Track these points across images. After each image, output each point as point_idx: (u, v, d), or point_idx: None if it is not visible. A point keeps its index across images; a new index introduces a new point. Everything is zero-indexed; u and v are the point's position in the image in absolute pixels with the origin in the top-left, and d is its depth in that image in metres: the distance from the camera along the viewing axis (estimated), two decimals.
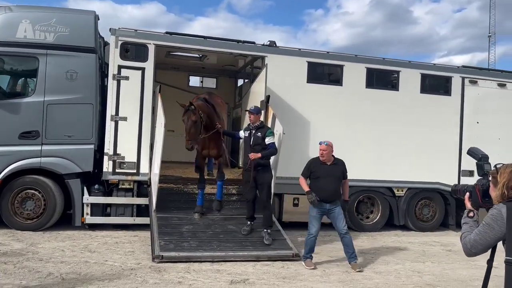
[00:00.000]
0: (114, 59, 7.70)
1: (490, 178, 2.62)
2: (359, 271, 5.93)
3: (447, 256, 7.25)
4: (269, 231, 6.64)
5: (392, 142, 9.04)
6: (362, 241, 7.94)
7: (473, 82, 9.53)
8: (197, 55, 9.80)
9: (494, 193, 2.53)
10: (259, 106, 7.95)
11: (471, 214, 2.69)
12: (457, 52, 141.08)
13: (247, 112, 7.02)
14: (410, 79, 9.24)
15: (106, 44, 8.42)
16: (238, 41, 8.62)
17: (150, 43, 7.87)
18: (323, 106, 8.72)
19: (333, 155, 6.17)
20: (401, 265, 6.44)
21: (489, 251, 2.54)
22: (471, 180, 9.42)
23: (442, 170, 9.32)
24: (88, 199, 7.66)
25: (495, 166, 2.59)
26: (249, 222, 6.86)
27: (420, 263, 6.65)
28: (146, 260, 5.95)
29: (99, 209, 7.79)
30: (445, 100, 9.47)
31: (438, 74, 9.55)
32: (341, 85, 8.91)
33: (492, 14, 63.45)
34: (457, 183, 8.63)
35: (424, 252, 7.43)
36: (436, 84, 9.61)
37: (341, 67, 8.90)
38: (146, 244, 6.73)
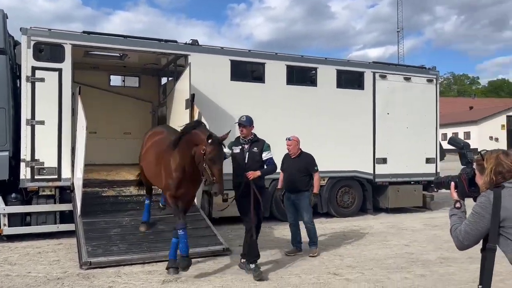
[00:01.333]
0: (27, 60, 7.31)
1: (475, 166, 2.57)
2: (312, 256, 6.49)
3: (365, 238, 7.88)
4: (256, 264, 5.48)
5: (314, 135, 9.53)
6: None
7: (383, 76, 10.35)
8: (117, 54, 9.57)
9: (481, 180, 2.47)
10: (184, 104, 8.02)
11: (458, 205, 2.61)
12: (371, 45, 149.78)
13: (237, 125, 5.93)
14: (327, 75, 9.81)
15: (16, 44, 7.93)
16: (160, 40, 8.57)
17: (66, 43, 7.57)
18: (248, 103, 8.96)
19: (300, 149, 6.73)
20: (325, 250, 6.90)
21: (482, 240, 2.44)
22: (384, 167, 10.42)
23: (359, 159, 10.07)
24: (4, 209, 7.23)
25: (479, 153, 2.52)
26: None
27: (342, 247, 7.18)
28: (73, 268, 5.79)
29: (18, 219, 7.40)
30: (359, 94, 10.19)
31: (352, 70, 10.24)
32: (264, 82, 9.24)
33: (399, 11, 68.15)
34: (438, 176, 9.42)
35: (345, 236, 8.01)
36: (350, 79, 10.29)
37: (263, 65, 9.21)
38: (72, 251, 6.53)
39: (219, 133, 5.00)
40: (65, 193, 7.65)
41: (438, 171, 10.80)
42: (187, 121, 7.95)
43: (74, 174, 7.33)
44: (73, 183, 7.39)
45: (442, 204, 11.59)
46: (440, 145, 11.11)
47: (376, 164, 10.21)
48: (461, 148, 3.00)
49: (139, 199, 7.45)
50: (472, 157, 2.83)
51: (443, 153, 11.32)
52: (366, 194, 10.35)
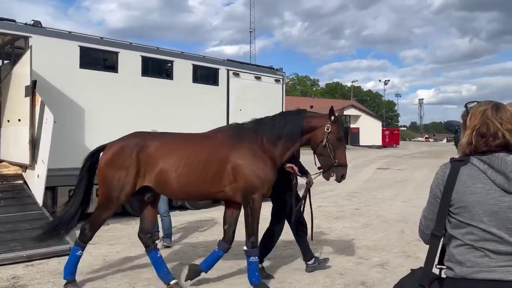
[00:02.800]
0: None
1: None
2: (167, 246, 6.63)
3: (218, 228, 8.22)
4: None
5: (169, 129, 9.51)
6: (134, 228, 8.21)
7: (236, 74, 10.87)
8: None
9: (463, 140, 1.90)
10: (24, 91, 7.25)
11: None
12: (227, 43, 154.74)
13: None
14: (183, 69, 9.89)
15: None
16: None
17: None
18: (99, 93, 8.52)
19: None
20: (178, 245, 7.00)
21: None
22: None
23: None
24: None
25: (465, 106, 1.97)
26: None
27: (194, 238, 7.37)
28: None
29: None
30: (214, 89, 10.53)
31: (207, 66, 10.51)
32: (117, 72, 8.86)
33: (252, 11, 71.83)
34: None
35: (198, 228, 8.24)
36: (206, 74, 10.56)
37: (116, 54, 8.83)
38: None
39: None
40: None
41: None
42: (27, 109, 7.21)
43: None
44: None
45: None
46: None
47: None
48: (455, 132, 2.81)
49: None
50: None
51: None
52: None
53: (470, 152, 1.85)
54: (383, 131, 57.73)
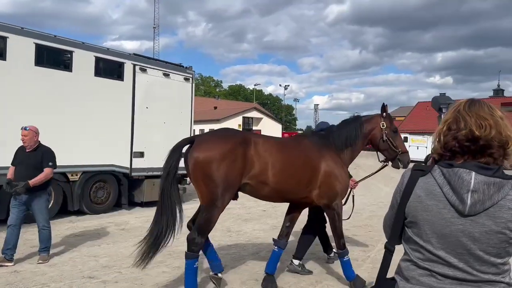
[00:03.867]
0: None
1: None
2: (42, 263, 5.71)
3: (121, 235, 7.64)
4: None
5: (66, 126, 8.64)
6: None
7: (143, 70, 10.26)
8: None
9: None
10: None
11: None
12: (127, 37, 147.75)
13: None
14: (84, 61, 9.04)
15: None
16: None
17: None
18: None
19: (39, 142, 5.78)
20: (77, 252, 6.33)
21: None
22: (141, 161, 10.39)
23: (116, 152, 9.69)
24: None
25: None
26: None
27: (96, 247, 6.74)
28: None
29: None
30: (119, 84, 9.80)
31: (111, 59, 9.73)
32: (5, 59, 7.77)
33: (156, 7, 69.77)
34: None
35: (99, 235, 7.56)
36: (110, 68, 9.77)
37: (4, 39, 7.73)
38: None
39: None
40: None
41: None
42: None
43: None
44: None
45: (193, 195, 12.42)
46: None
47: (133, 158, 10.05)
48: (439, 111, 2.14)
49: None
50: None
51: None
52: (122, 188, 10.07)
53: (442, 151, 1.63)
54: (283, 134, 60.00)
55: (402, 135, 36.74)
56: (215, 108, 62.01)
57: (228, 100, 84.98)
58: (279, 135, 58.38)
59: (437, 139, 1.64)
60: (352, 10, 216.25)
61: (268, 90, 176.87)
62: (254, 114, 56.06)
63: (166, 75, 10.80)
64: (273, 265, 5.04)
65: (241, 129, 53.32)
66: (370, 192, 15.33)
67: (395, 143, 5.09)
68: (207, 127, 49.52)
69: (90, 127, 9.13)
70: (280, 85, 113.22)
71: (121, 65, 9.84)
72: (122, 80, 9.86)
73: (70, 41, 9.04)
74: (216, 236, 7.46)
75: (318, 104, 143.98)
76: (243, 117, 54.60)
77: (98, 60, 9.33)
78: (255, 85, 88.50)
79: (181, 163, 4.43)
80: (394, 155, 5.11)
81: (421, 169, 1.66)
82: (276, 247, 5.08)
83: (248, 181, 4.44)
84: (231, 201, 4.55)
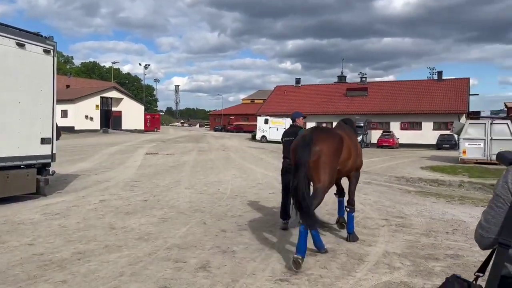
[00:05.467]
0: None
1: None
2: None
3: None
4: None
5: None
6: None
7: None
8: None
9: None
10: None
11: None
12: None
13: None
14: None
15: None
16: None
17: None
18: None
19: None
20: None
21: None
22: None
23: None
24: None
25: None
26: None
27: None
28: None
29: None
30: None
31: None
32: None
33: None
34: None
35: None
36: None
37: None
38: None
39: None
40: None
41: (54, 152, 9.83)
42: None
43: None
44: None
45: (57, 187, 10.75)
46: (56, 123, 10.14)
47: None
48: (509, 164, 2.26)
49: None
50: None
51: (59, 132, 10.42)
52: None
53: None
54: (145, 115, 57.43)
55: (263, 117, 38.49)
56: (68, 87, 56.02)
57: (82, 78, 77.99)
58: (142, 117, 55.80)
59: None
60: None
61: (125, 69, 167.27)
62: (113, 94, 52.41)
63: (21, 45, 8.91)
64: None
65: (99, 110, 49.37)
66: (246, 174, 15.41)
67: None
68: (58, 108, 44.51)
69: None
70: (140, 64, 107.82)
71: None
72: None
73: None
74: (99, 236, 6.44)
75: (178, 86, 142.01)
76: (101, 97, 50.60)
77: None
78: (113, 63, 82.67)
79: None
80: None
81: None
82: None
83: (339, 167, 5.73)
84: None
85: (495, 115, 54.38)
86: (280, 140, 7.65)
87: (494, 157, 23.01)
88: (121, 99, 53.50)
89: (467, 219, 8.19)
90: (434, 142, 40.15)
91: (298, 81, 60.04)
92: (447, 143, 38.20)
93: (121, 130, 50.86)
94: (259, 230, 7.03)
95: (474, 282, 1.86)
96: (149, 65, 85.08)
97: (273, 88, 62.39)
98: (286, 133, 7.08)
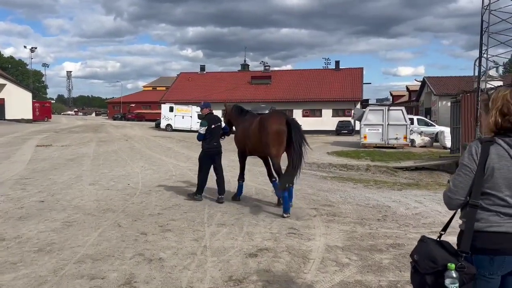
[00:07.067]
0: None
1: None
2: None
3: None
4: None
5: None
6: None
7: None
8: None
9: (485, 121, 2.34)
10: None
11: None
12: None
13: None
14: None
15: None
16: None
17: None
18: None
19: None
20: None
21: None
22: None
23: None
24: None
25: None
26: None
27: None
28: None
29: None
30: None
31: None
32: None
33: None
34: None
35: None
36: None
37: None
38: None
39: None
40: None
41: None
42: None
43: None
44: None
45: None
46: None
47: None
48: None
49: None
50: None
51: None
52: None
53: (496, 129, 2.26)
54: (33, 103, 51.77)
55: (167, 105, 36.90)
56: None
57: None
58: (29, 105, 50.25)
59: (494, 122, 2.24)
60: None
61: (7, 52, 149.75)
62: None
63: None
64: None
65: None
66: (156, 165, 14.30)
67: None
68: None
69: None
70: (25, 47, 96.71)
71: None
72: None
73: None
74: None
75: (71, 71, 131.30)
76: None
77: None
78: None
79: None
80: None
81: (488, 140, 2.23)
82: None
83: None
84: None
85: (379, 103, 59.08)
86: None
87: (390, 142, 24.87)
88: (4, 85, 47.50)
89: (391, 204, 8.26)
90: (334, 128, 42.14)
91: (203, 68, 58.85)
92: (345, 129, 40.34)
93: (4, 120, 45.30)
94: (185, 230, 6.23)
95: (438, 239, 2.32)
96: (35, 48, 76.81)
97: (176, 75, 60.39)
98: (214, 120, 8.22)
